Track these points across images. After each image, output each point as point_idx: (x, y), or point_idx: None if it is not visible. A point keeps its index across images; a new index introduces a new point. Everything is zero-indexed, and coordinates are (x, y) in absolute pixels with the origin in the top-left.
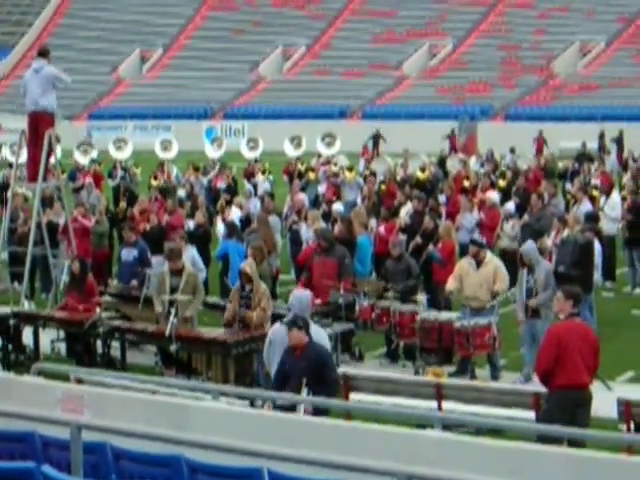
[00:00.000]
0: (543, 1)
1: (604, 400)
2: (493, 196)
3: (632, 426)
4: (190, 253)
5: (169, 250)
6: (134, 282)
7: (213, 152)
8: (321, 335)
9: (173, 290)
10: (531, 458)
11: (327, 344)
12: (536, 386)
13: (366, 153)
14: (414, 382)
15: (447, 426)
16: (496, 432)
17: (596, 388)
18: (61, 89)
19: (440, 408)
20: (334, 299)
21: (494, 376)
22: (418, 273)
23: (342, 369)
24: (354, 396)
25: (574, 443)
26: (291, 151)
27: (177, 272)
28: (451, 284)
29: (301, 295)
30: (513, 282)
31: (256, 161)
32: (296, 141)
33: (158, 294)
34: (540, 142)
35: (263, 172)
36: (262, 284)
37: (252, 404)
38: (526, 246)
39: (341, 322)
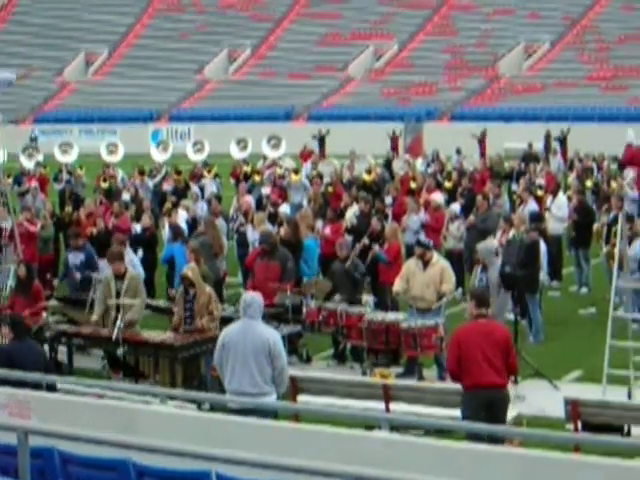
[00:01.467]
0: (488, 2)
1: (551, 400)
2: (437, 197)
3: (579, 425)
4: (129, 257)
5: (109, 254)
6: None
7: (159, 155)
8: (274, 336)
9: (117, 294)
10: (479, 458)
11: (281, 345)
12: None
13: (306, 156)
14: (361, 383)
15: (395, 427)
16: (444, 432)
17: (543, 388)
18: (6, 93)
19: (388, 409)
20: (281, 301)
21: (441, 376)
22: (363, 271)
23: (290, 371)
24: (302, 398)
25: (493, 440)
26: (237, 153)
27: (120, 276)
28: (398, 285)
29: (252, 298)
30: (459, 283)
31: (206, 164)
32: (242, 143)
33: (103, 298)
34: (483, 142)
35: (210, 173)
36: (207, 287)
37: (200, 407)
38: (482, 244)
39: (288, 324)
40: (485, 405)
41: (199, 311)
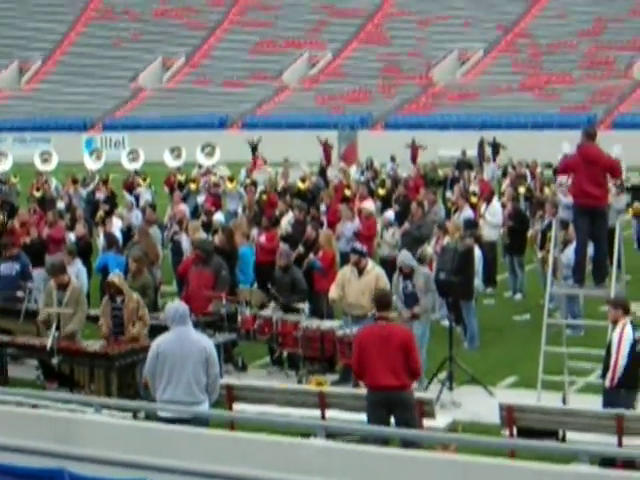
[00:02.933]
0: (422, 10)
1: (486, 405)
2: (369, 205)
3: (514, 431)
4: (76, 266)
5: (50, 266)
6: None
7: (92, 164)
8: (210, 344)
9: (59, 303)
10: (416, 464)
11: (215, 353)
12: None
13: (256, 164)
14: (297, 391)
15: (331, 434)
16: (380, 440)
17: (478, 394)
18: None
19: (323, 417)
20: (216, 309)
21: (356, 384)
22: (303, 288)
23: (225, 380)
24: (237, 406)
25: (407, 444)
26: (171, 162)
27: (62, 286)
28: (333, 292)
29: (178, 306)
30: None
31: (137, 173)
32: (176, 152)
33: (44, 307)
34: (414, 150)
35: (145, 181)
36: (134, 294)
37: (135, 416)
38: (401, 256)
39: (223, 332)
40: (385, 406)
41: (129, 318)
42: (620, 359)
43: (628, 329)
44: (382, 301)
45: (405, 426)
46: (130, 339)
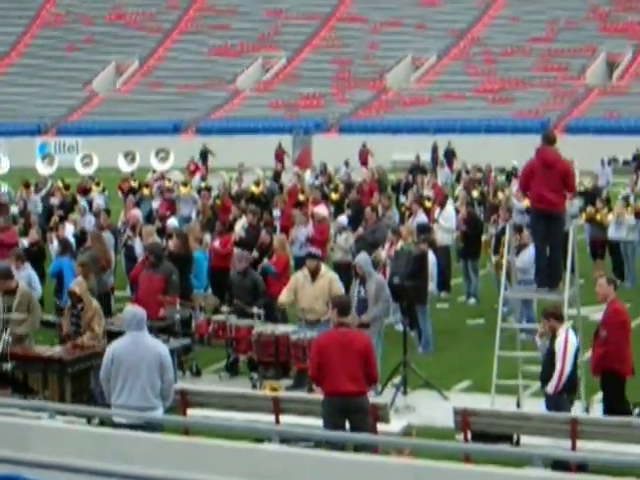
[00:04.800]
0: (375, 15)
1: (441, 410)
2: (321, 210)
3: (469, 435)
4: (27, 271)
5: None
6: None
7: (44, 169)
8: (165, 349)
9: (9, 309)
10: (370, 469)
11: (170, 358)
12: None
13: (196, 169)
14: (251, 396)
15: (285, 439)
16: (335, 445)
17: (433, 398)
18: None
19: (278, 421)
20: (170, 315)
21: (311, 389)
22: (264, 291)
23: (179, 385)
24: (192, 412)
25: (360, 448)
26: (125, 166)
27: (9, 292)
28: (284, 296)
29: (134, 311)
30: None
31: (91, 178)
32: (130, 156)
33: None
34: (365, 155)
35: (98, 186)
36: (94, 301)
37: (89, 422)
38: (360, 257)
39: (177, 338)
40: (342, 412)
41: (85, 326)
42: (567, 366)
43: (571, 336)
44: (343, 307)
45: (361, 432)
46: (73, 347)
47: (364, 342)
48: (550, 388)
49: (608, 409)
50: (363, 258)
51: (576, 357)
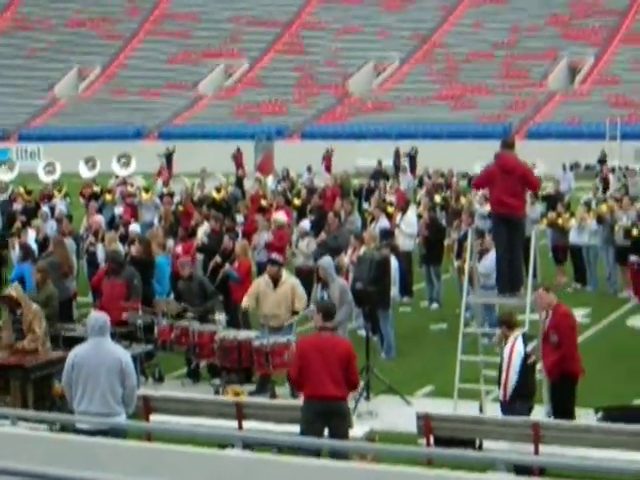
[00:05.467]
0: (337, 21)
1: (403, 415)
2: (280, 216)
3: (431, 440)
4: None
5: None
6: None
7: (4, 174)
8: (126, 355)
9: None
10: (333, 474)
11: (132, 364)
12: None
13: (163, 174)
14: (214, 402)
15: (248, 445)
16: (298, 450)
17: (395, 403)
18: None
19: (240, 427)
20: (132, 320)
21: (294, 394)
22: (213, 291)
23: (142, 391)
24: (155, 417)
25: (334, 454)
26: (86, 172)
27: None
28: (246, 301)
29: (98, 317)
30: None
31: (56, 183)
32: (90, 162)
33: None
34: (328, 160)
35: (60, 192)
36: (33, 305)
37: (51, 428)
38: (322, 260)
39: (140, 343)
40: (323, 416)
41: (27, 329)
42: (511, 375)
43: (518, 344)
44: (328, 312)
45: (340, 437)
46: (15, 352)
47: (346, 347)
48: (500, 395)
49: (562, 412)
50: (326, 262)
51: (525, 364)
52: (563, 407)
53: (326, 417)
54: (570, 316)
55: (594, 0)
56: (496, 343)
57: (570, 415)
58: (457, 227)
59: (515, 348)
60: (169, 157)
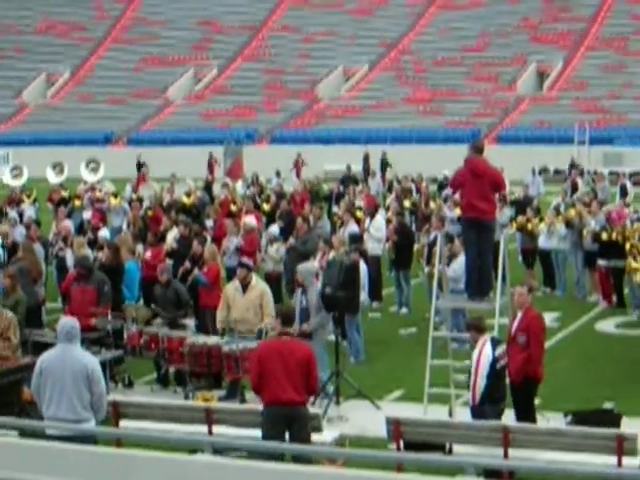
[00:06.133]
0: (307, 26)
1: (373, 419)
2: (250, 220)
3: (401, 444)
4: None
5: None
6: None
7: None
8: (93, 361)
9: None
10: (303, 479)
11: (99, 371)
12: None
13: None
14: (184, 407)
15: (218, 450)
16: (269, 455)
17: (365, 408)
18: None
19: (210, 432)
20: (102, 326)
21: None
22: (187, 301)
23: (112, 396)
24: (124, 423)
25: (298, 459)
26: (53, 178)
27: None
28: (219, 315)
29: (68, 323)
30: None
31: (24, 189)
32: (58, 168)
33: None
34: (299, 165)
35: (29, 198)
36: (9, 313)
37: (21, 434)
38: (302, 266)
39: (109, 349)
40: (284, 421)
41: (1, 337)
42: (479, 379)
43: (487, 348)
44: (287, 317)
45: (301, 441)
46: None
47: (305, 352)
48: (469, 399)
49: (522, 415)
50: (305, 268)
51: (494, 369)
52: (525, 410)
53: (286, 422)
54: (541, 319)
55: (563, 5)
56: (472, 347)
57: (532, 419)
58: (427, 232)
59: (483, 352)
60: (139, 166)
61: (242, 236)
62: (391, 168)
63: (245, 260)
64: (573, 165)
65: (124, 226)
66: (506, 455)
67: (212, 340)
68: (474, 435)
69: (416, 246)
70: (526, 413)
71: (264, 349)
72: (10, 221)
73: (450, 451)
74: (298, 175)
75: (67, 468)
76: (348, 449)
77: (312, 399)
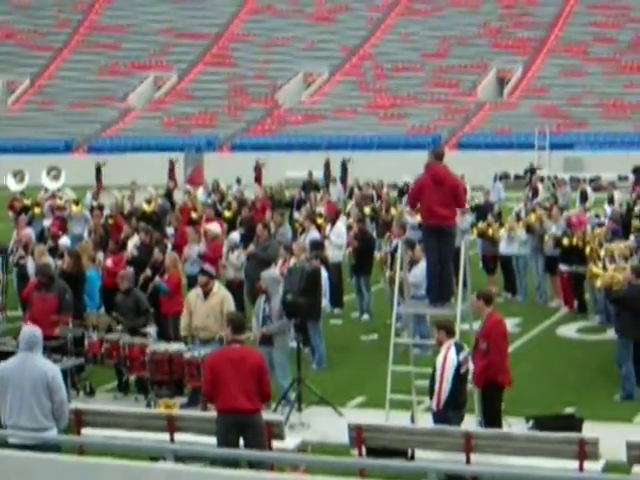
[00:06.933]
0: (267, 32)
1: (335, 426)
2: (214, 227)
3: (364, 450)
4: None
5: None
6: None
7: None
8: (53, 369)
9: None
10: None
11: (60, 379)
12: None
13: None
14: (146, 415)
15: (180, 458)
16: (231, 463)
17: (327, 414)
18: None
19: (172, 440)
20: (63, 334)
21: None
22: (146, 309)
23: (73, 404)
24: (86, 431)
25: (253, 465)
26: (14, 185)
27: None
28: (183, 323)
29: (29, 331)
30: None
31: None
32: (19, 175)
33: None
34: (258, 171)
35: None
36: None
37: None
38: (265, 273)
39: (70, 357)
40: (236, 428)
41: None
42: (444, 384)
43: (452, 353)
44: (237, 324)
45: (256, 448)
46: None
47: (258, 359)
48: (432, 405)
49: (487, 421)
50: (269, 275)
51: (459, 374)
52: (490, 416)
53: (239, 430)
54: (502, 325)
55: (523, 11)
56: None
57: (498, 424)
58: (389, 239)
59: (448, 357)
60: (98, 171)
61: (206, 243)
62: (350, 163)
63: (206, 267)
64: (532, 170)
65: (85, 234)
66: (468, 460)
67: (173, 347)
68: (436, 440)
69: (378, 253)
70: (492, 419)
71: (215, 357)
72: None
73: (412, 457)
74: (258, 180)
75: (30, 476)
76: (310, 456)
77: (273, 406)
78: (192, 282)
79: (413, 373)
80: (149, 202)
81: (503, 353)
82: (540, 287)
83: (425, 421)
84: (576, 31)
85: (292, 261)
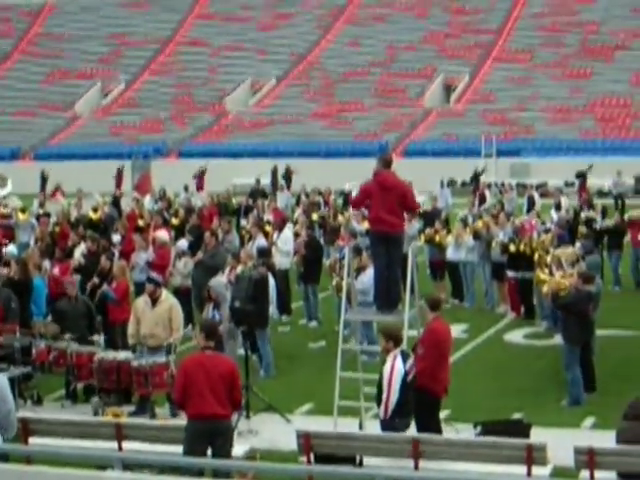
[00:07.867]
0: (215, 39)
1: (284, 433)
2: (162, 235)
3: (312, 457)
4: None
5: None
6: None
7: None
8: (0, 379)
9: None
10: None
11: (6, 388)
12: None
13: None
14: (93, 423)
15: (128, 466)
16: (177, 470)
17: (275, 421)
18: None
19: (120, 448)
20: (9, 342)
21: (174, 414)
22: (93, 316)
23: (21, 413)
24: (33, 440)
25: (217, 474)
26: None
27: None
28: (130, 329)
29: None
30: (189, 319)
31: None
32: None
33: None
34: (201, 178)
35: None
36: None
37: None
38: (214, 281)
39: (17, 366)
40: (207, 435)
41: None
42: (392, 394)
43: (398, 362)
44: (210, 330)
45: (224, 456)
46: None
47: (230, 366)
48: (380, 413)
49: (420, 427)
50: (218, 282)
51: (405, 382)
52: (422, 423)
53: (210, 436)
54: (437, 333)
55: (469, 18)
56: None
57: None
58: (337, 246)
59: (395, 366)
60: (44, 178)
61: (154, 250)
62: (296, 174)
63: (153, 275)
64: (477, 175)
65: (31, 242)
66: (417, 467)
67: (121, 355)
68: (385, 447)
69: (328, 261)
70: (424, 427)
71: (189, 363)
72: None
73: (361, 463)
74: (200, 189)
75: None
76: (259, 462)
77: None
78: (140, 290)
79: (361, 380)
80: (96, 210)
81: (435, 362)
82: (487, 293)
83: (373, 428)
84: (523, 37)
85: (239, 268)
